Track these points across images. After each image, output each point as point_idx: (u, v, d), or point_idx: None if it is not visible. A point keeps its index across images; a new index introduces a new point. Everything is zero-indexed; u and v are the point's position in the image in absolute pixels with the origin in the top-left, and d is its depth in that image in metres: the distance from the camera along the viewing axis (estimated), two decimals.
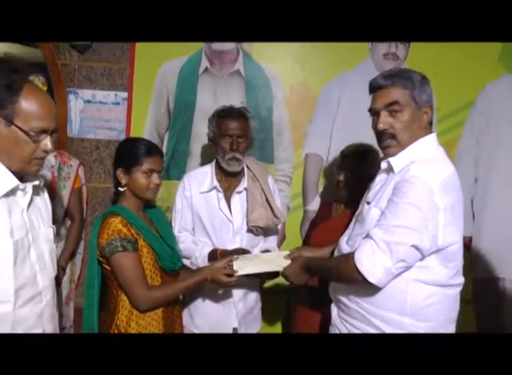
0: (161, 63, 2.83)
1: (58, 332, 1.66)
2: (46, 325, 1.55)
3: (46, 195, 1.70)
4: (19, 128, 1.39)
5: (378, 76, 1.71)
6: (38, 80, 2.50)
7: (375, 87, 1.70)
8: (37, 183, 1.56)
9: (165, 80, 2.85)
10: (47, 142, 1.44)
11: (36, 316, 1.51)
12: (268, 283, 2.76)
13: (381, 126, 1.65)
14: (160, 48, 2.77)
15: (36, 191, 1.60)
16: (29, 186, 1.52)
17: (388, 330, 1.62)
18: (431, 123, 1.69)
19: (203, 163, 2.80)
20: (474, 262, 2.86)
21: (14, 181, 1.45)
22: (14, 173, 1.45)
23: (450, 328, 1.70)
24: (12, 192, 1.46)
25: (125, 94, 2.86)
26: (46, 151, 1.46)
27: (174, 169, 2.88)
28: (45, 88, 2.52)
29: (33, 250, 1.51)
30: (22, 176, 1.51)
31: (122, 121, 2.88)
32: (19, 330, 1.45)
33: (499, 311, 2.91)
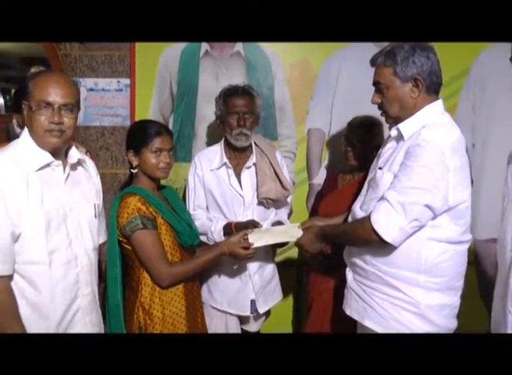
0: (161, 48, 2.84)
1: (96, 295, 1.81)
2: (83, 288, 1.72)
3: (94, 174, 1.87)
4: (25, 105, 1.60)
5: (375, 54, 1.80)
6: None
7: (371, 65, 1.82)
8: (74, 161, 1.74)
9: (167, 64, 2.86)
10: (52, 113, 1.59)
11: (72, 278, 1.68)
12: (279, 257, 2.83)
13: (372, 101, 1.80)
14: None
15: (78, 169, 1.78)
16: (67, 164, 1.71)
17: (403, 287, 1.71)
18: (434, 89, 1.74)
19: (208, 144, 2.83)
20: (474, 226, 2.94)
21: (48, 158, 1.64)
22: (54, 151, 1.64)
23: (460, 283, 1.80)
24: (48, 166, 1.64)
25: (127, 81, 2.88)
26: (53, 123, 1.59)
27: (180, 151, 2.90)
28: None
29: (70, 220, 1.68)
30: (66, 155, 1.72)
31: (125, 107, 2.91)
32: (58, 289, 1.63)
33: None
